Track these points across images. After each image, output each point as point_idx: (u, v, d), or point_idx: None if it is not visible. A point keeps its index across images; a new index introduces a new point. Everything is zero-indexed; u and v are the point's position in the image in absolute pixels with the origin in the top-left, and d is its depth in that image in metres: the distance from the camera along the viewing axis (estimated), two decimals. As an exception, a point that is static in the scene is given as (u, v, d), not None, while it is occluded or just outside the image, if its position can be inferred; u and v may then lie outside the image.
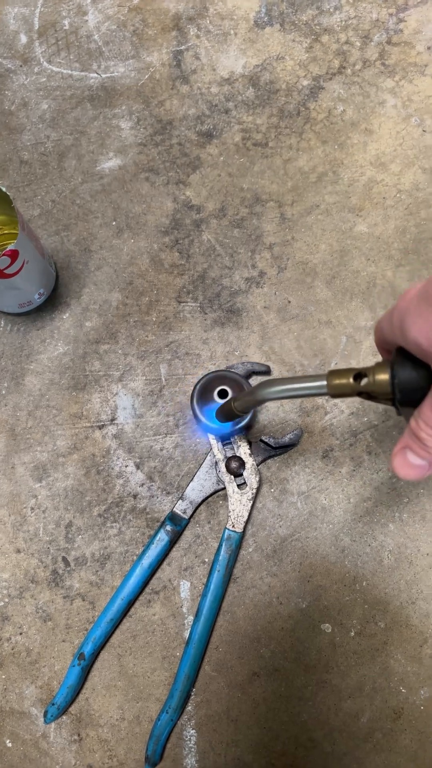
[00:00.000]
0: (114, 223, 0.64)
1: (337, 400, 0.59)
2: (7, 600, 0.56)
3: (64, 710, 0.54)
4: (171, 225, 0.64)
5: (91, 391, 0.60)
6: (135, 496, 0.58)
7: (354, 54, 0.68)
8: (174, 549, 0.57)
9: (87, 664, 0.54)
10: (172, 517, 0.56)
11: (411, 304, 0.34)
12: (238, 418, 0.51)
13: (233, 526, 0.55)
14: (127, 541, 0.57)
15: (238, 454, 0.57)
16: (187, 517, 0.56)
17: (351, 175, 0.65)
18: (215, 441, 0.57)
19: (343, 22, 0.69)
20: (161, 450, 0.58)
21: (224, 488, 0.56)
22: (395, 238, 0.63)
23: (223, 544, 0.55)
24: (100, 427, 0.59)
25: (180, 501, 0.56)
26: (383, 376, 0.37)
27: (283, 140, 0.66)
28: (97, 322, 0.62)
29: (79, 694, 0.54)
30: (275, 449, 0.57)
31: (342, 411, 0.59)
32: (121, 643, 0.55)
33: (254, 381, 0.59)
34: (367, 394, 0.38)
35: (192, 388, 0.57)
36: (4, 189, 0.50)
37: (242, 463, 0.56)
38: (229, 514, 0.55)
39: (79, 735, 0.54)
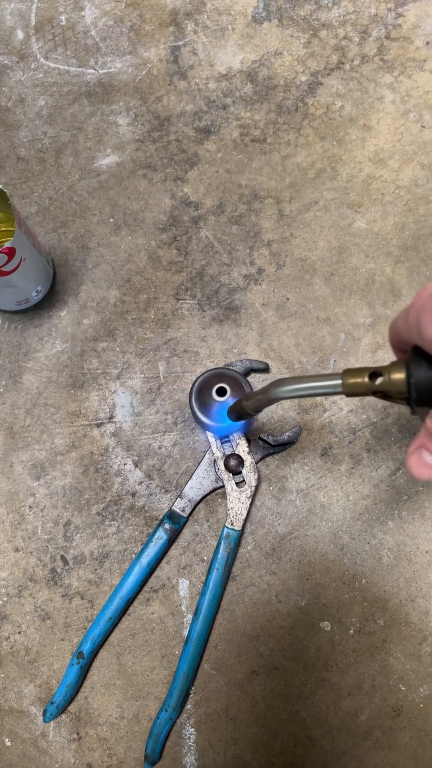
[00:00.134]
0: (111, 220, 0.64)
1: (336, 398, 0.59)
2: (5, 599, 0.56)
3: (63, 709, 0.53)
4: (169, 222, 0.64)
5: (89, 389, 0.60)
6: (133, 495, 0.57)
7: (352, 49, 0.68)
8: (173, 547, 0.56)
9: (86, 663, 0.53)
10: (171, 516, 0.55)
11: (428, 302, 0.34)
12: (250, 417, 0.50)
13: (232, 524, 0.55)
14: (125, 540, 0.57)
15: (236, 452, 0.56)
16: (185, 515, 0.56)
17: (349, 171, 0.64)
18: (214, 439, 0.57)
19: (342, 17, 0.69)
20: (160, 448, 0.58)
21: (223, 486, 0.56)
22: (394, 235, 0.62)
23: (222, 542, 0.54)
24: (99, 425, 0.59)
25: (179, 499, 0.56)
26: (399, 375, 0.36)
27: (281, 136, 0.65)
28: (95, 320, 0.61)
29: (78, 693, 0.54)
30: (274, 447, 0.57)
31: (341, 408, 0.59)
32: (120, 641, 0.55)
33: (253, 378, 0.59)
34: (382, 394, 0.38)
35: (190, 385, 0.57)
36: (0, 186, 0.50)
37: (241, 461, 0.56)
38: (228, 512, 0.55)
39: (78, 734, 0.54)
